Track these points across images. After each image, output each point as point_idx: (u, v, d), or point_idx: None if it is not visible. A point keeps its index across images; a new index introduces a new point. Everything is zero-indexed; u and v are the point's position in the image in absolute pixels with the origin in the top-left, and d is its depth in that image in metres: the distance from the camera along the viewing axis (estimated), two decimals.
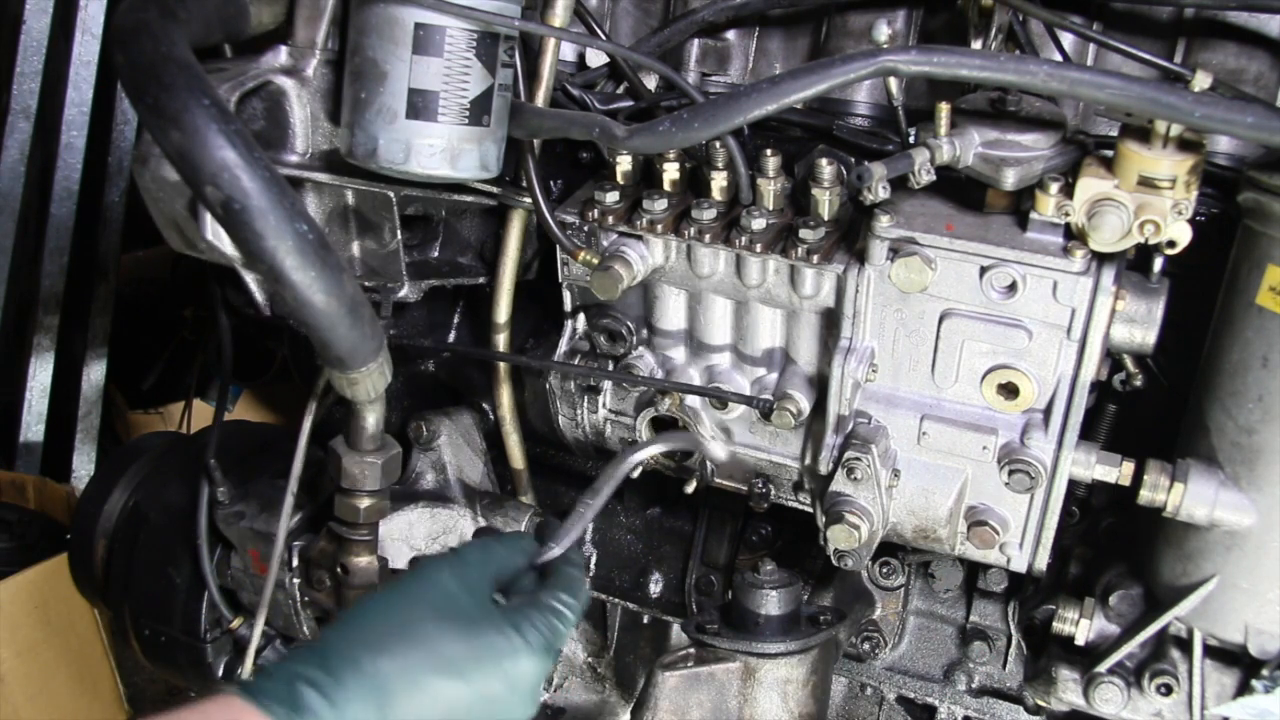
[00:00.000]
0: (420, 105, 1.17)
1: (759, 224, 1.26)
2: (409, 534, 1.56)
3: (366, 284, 1.43)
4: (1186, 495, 1.19)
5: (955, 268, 1.21)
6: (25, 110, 2.85)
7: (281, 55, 1.28)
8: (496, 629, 0.99)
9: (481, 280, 1.63)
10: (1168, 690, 1.36)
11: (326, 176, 1.33)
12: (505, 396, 1.59)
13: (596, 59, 1.55)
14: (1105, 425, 1.46)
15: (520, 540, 1.12)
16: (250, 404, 3.04)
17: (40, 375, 2.98)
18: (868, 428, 1.31)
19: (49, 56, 2.84)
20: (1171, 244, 1.10)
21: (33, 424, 2.98)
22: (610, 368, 1.46)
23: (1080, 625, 1.40)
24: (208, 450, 1.61)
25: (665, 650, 1.86)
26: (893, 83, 1.22)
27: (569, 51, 1.54)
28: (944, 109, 1.14)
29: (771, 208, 1.30)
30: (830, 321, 1.31)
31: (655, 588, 1.83)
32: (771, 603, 1.40)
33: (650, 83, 1.51)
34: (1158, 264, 1.25)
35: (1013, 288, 1.19)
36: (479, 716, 0.97)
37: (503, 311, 1.49)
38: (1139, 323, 1.25)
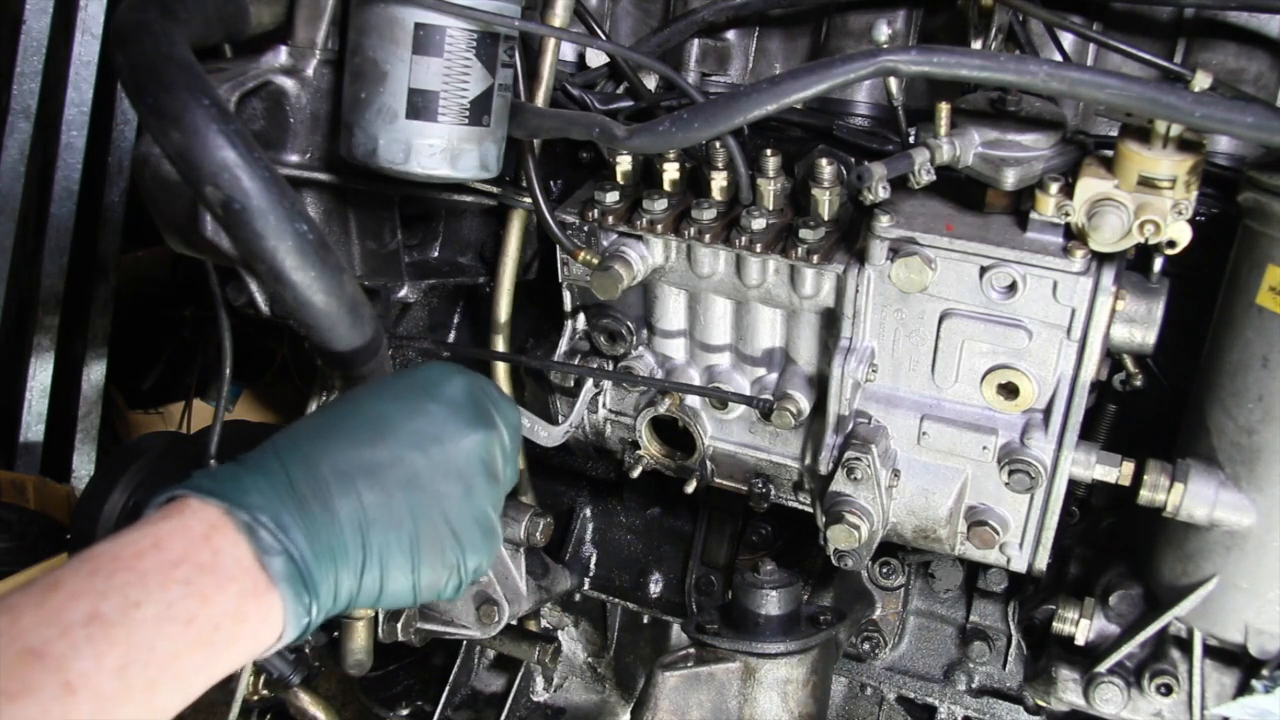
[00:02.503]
0: (420, 105, 1.17)
1: (759, 224, 1.26)
2: None
3: (366, 284, 1.43)
4: (1186, 495, 1.19)
5: (955, 268, 1.21)
6: (25, 110, 2.85)
7: (281, 55, 1.28)
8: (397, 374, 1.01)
9: (481, 280, 1.63)
10: (1168, 690, 1.36)
11: (326, 176, 1.33)
12: None
13: (596, 59, 1.55)
14: (1105, 425, 1.46)
15: None
16: (250, 404, 3.03)
17: (40, 375, 2.98)
18: (868, 428, 1.31)
19: (49, 56, 2.84)
20: (1171, 244, 1.10)
21: (33, 424, 2.98)
22: (610, 368, 1.46)
23: (1080, 625, 1.40)
24: (207, 450, 1.61)
25: (665, 650, 1.86)
26: (893, 83, 1.22)
27: (569, 51, 1.54)
28: (944, 109, 1.14)
29: (771, 208, 1.30)
30: (830, 321, 1.31)
31: (655, 588, 1.83)
32: (771, 603, 1.40)
33: (650, 83, 1.51)
34: (1158, 264, 1.25)
35: (1013, 288, 1.19)
36: (413, 429, 0.95)
37: (503, 311, 1.49)
38: (1139, 323, 1.25)
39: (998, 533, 1.31)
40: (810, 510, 1.42)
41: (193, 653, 0.78)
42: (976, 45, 1.28)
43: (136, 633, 0.74)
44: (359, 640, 1.56)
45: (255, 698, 1.72)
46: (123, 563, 0.77)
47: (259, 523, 0.83)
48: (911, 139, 1.24)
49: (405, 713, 1.88)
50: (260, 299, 1.39)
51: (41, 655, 0.70)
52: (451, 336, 1.77)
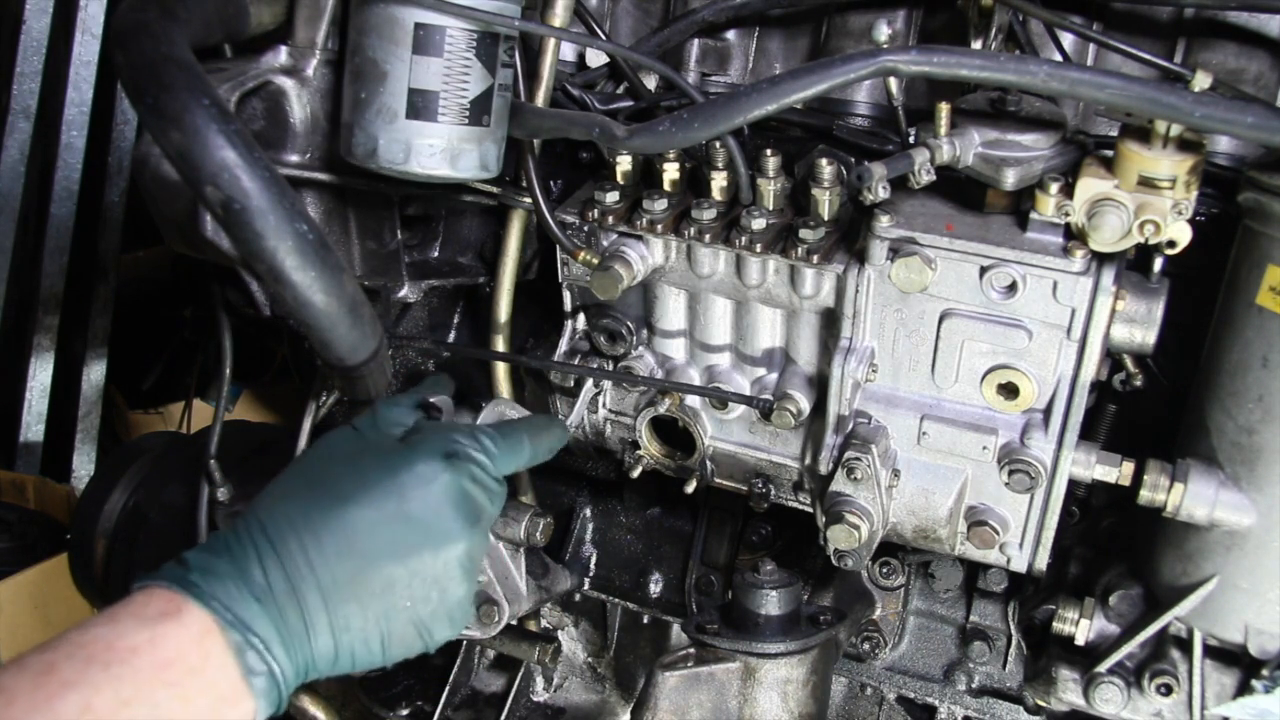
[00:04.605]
0: (420, 105, 1.17)
1: (759, 224, 1.26)
2: None
3: (366, 284, 1.44)
4: (1186, 495, 1.19)
5: (955, 268, 1.21)
6: (25, 110, 2.85)
7: (281, 55, 1.28)
8: (385, 451, 1.04)
9: (481, 280, 1.64)
10: (1168, 690, 1.36)
11: (326, 176, 1.33)
12: (505, 397, 1.59)
13: (596, 59, 1.55)
14: (1105, 425, 1.46)
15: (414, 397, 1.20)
16: (250, 404, 3.04)
17: (40, 375, 2.98)
18: (868, 428, 1.31)
19: (49, 56, 2.84)
20: (1171, 244, 1.10)
21: (33, 424, 2.98)
22: (610, 368, 1.46)
23: (1080, 625, 1.40)
24: (207, 450, 1.61)
25: (665, 650, 1.86)
26: (893, 83, 1.22)
27: (569, 51, 1.54)
28: (944, 109, 1.14)
29: (771, 208, 1.30)
30: (830, 321, 1.31)
31: (655, 588, 1.82)
32: (771, 603, 1.40)
33: (650, 83, 1.51)
34: (1158, 264, 1.25)
35: (1013, 288, 1.19)
36: (394, 539, 0.98)
37: (503, 311, 1.49)
38: (1139, 323, 1.25)
39: (998, 533, 1.31)
40: (810, 510, 1.42)
41: None
42: (976, 45, 1.28)
43: None
44: None
45: None
46: (118, 655, 0.82)
47: (249, 644, 0.89)
48: (911, 139, 1.24)
49: (405, 713, 1.88)
50: (260, 299, 1.39)
51: None
52: (451, 336, 1.77)
